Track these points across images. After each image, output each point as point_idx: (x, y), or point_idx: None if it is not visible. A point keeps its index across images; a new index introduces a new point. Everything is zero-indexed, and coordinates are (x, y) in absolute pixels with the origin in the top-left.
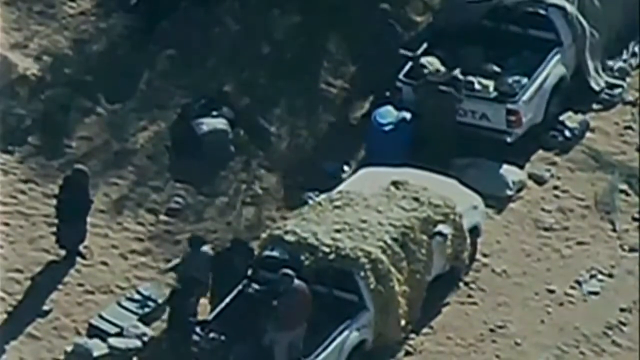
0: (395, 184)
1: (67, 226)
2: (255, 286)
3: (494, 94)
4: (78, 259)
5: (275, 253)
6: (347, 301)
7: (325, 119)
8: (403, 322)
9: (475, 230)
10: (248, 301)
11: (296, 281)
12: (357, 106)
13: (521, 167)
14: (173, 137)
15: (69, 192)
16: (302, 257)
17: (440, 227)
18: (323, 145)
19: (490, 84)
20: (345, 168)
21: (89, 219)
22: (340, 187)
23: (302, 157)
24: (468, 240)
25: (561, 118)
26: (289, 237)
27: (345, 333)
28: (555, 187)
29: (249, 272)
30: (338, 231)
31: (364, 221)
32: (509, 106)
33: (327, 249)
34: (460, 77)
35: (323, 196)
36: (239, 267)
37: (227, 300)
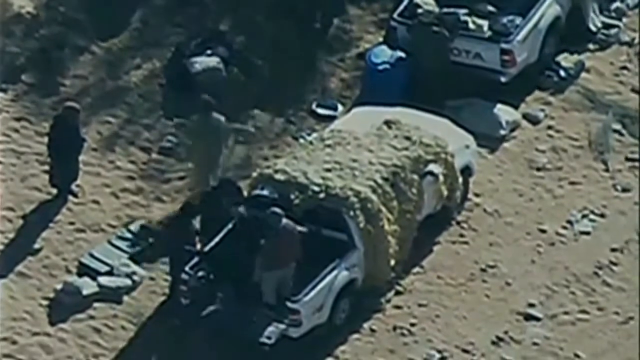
0: (387, 123)
1: (59, 165)
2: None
3: (488, 33)
4: (70, 197)
5: (265, 192)
6: (337, 240)
7: (321, 59)
8: (393, 262)
9: (467, 170)
10: (237, 240)
11: (284, 220)
12: (353, 45)
13: (515, 107)
14: (167, 76)
15: (60, 131)
16: (292, 196)
17: (431, 167)
18: (318, 85)
19: (485, 23)
20: (339, 107)
21: (81, 157)
22: (333, 126)
23: (296, 96)
24: (460, 180)
25: (556, 58)
26: (279, 176)
27: (335, 272)
28: (549, 127)
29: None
30: (328, 170)
31: (354, 160)
32: (503, 46)
33: (317, 188)
34: (462, 17)
35: (314, 135)
36: (227, 207)
37: (217, 239)
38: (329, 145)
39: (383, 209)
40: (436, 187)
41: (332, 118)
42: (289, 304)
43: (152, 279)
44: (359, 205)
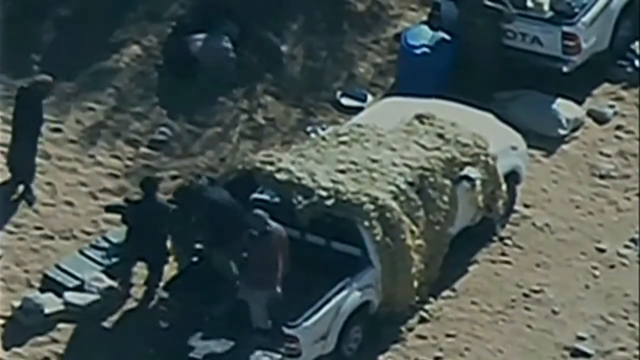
0: (419, 117)
1: (17, 150)
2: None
3: (549, 13)
4: (26, 196)
5: (264, 195)
6: (348, 255)
7: (349, 39)
8: (416, 283)
9: (513, 175)
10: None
11: (273, 224)
12: (390, 24)
13: (579, 102)
14: (164, 55)
15: (22, 104)
16: (295, 201)
17: (468, 170)
18: (344, 70)
19: (545, 1)
20: (369, 98)
21: (54, 151)
22: (353, 120)
23: (318, 83)
24: (504, 187)
25: (632, 45)
26: (281, 177)
27: (344, 293)
28: (619, 127)
29: None
30: (341, 172)
31: (374, 161)
32: (566, 29)
33: (324, 193)
34: None
35: (328, 130)
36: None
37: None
38: (344, 142)
39: (406, 219)
40: (473, 195)
41: (359, 110)
42: (285, 330)
43: (128, 296)
44: (376, 213)
